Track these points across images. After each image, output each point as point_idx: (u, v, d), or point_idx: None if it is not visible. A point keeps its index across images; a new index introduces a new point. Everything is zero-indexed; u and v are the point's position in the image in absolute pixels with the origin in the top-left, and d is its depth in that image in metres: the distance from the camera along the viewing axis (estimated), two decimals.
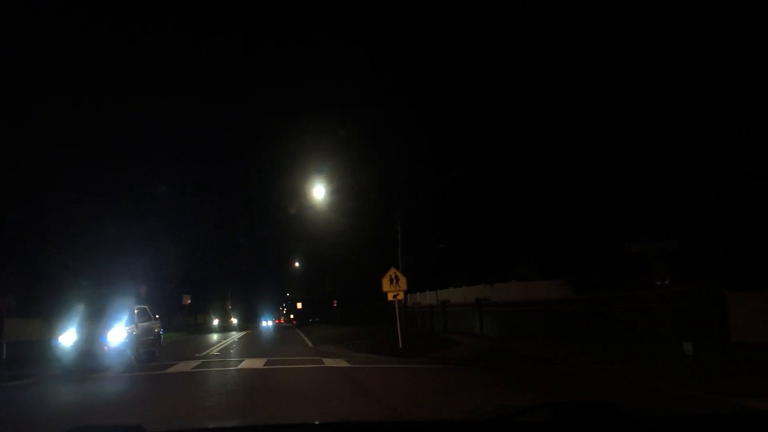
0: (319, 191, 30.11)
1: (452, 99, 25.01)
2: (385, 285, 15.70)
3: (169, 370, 10.62)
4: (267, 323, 72.23)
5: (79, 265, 21.29)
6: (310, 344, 18.06)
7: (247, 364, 11.69)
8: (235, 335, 25.59)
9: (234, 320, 38.69)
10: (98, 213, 22.47)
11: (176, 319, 40.28)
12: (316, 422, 1.98)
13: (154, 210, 27.91)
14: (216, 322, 35.40)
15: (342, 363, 11.67)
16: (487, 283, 18.92)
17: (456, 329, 20.32)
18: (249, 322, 73.51)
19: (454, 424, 1.95)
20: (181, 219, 32.45)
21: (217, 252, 47.18)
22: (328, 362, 11.94)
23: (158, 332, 14.51)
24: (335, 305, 56.45)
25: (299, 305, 71.68)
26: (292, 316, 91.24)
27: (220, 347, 16.95)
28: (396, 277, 15.69)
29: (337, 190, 30.50)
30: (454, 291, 22.67)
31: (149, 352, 13.13)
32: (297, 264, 63.33)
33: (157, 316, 15.11)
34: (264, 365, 11.21)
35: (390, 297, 15.73)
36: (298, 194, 36.23)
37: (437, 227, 24.94)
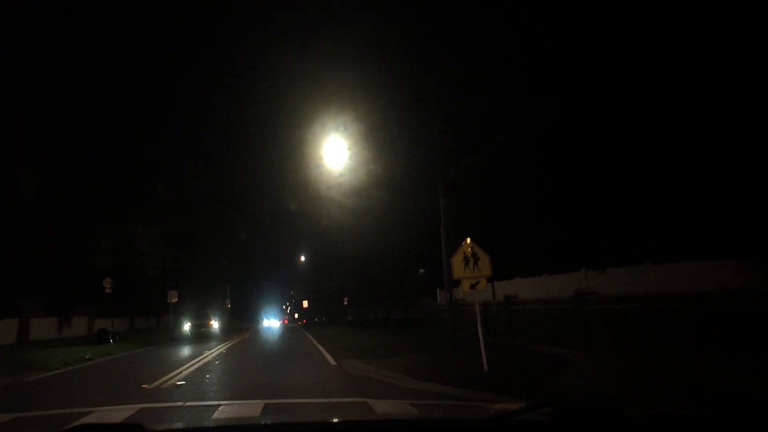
0: (333, 162, 23.94)
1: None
2: (457, 268, 9.74)
3: None
4: (269, 321, 65.94)
5: None
6: (330, 360, 12.10)
7: (225, 417, 5.75)
8: (217, 348, 17.31)
9: (214, 323, 25.54)
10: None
11: (165, 319, 34.39)
12: (345, 421, 2.19)
13: (121, 187, 21.66)
14: (187, 326, 24.16)
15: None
16: (594, 268, 12.87)
17: (531, 337, 14.33)
18: (249, 322, 67.54)
19: (456, 422, 2.00)
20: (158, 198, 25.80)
21: (212, 244, 41.36)
22: (384, 411, 5.96)
23: None
24: (346, 303, 50.84)
25: (305, 303, 65.87)
26: (297, 315, 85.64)
27: (193, 368, 11.01)
28: (474, 255, 9.72)
29: (352, 171, 24.54)
30: (524, 282, 16.60)
31: None
32: (303, 258, 57.72)
33: None
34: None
35: (465, 288, 9.76)
36: (306, 181, 30.32)
37: (494, 198, 18.99)
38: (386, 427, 2.03)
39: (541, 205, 16.34)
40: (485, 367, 9.16)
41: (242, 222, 45.02)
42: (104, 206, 20.50)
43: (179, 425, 2.07)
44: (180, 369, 10.60)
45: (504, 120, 15.43)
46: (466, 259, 9.67)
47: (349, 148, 22.08)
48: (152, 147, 24.14)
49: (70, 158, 18.71)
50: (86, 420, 6.05)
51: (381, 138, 21.50)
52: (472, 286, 9.60)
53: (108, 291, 20.42)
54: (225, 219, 41.76)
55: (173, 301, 29.62)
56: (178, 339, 21.74)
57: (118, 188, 21.58)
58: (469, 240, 9.75)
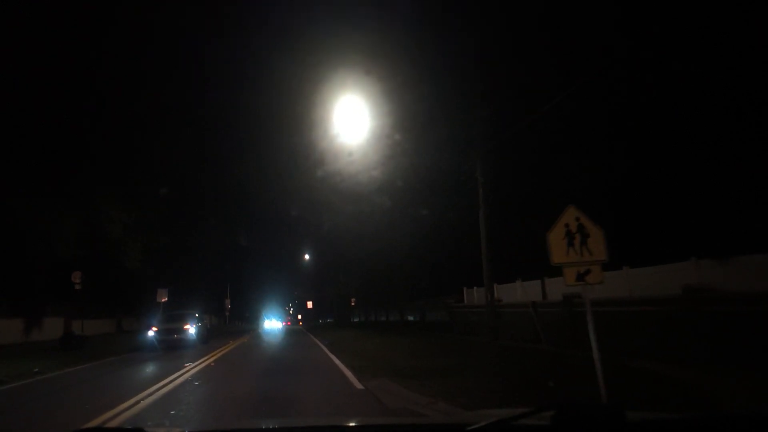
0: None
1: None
2: (557, 249, 6.35)
3: None
4: (270, 323, 62.45)
5: None
6: (354, 380, 8.75)
7: None
8: (204, 359, 12.85)
9: (191, 328, 17.82)
10: None
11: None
12: (348, 424, 2.14)
13: (86, 159, 18.00)
14: (152, 331, 17.30)
15: None
16: (708, 257, 9.54)
17: (605, 347, 10.97)
18: (250, 323, 64.17)
19: (455, 427, 1.92)
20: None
21: (211, 241, 38.10)
22: None
23: None
24: (353, 304, 47.68)
25: (309, 304, 62.61)
26: (300, 317, 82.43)
27: (159, 394, 7.71)
28: (580, 229, 6.36)
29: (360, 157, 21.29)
30: None
31: None
32: (307, 257, 54.50)
33: None
34: None
35: (570, 278, 6.34)
36: (310, 182, 27.11)
37: (542, 171, 15.79)
38: (386, 430, 2.05)
39: (611, 177, 12.99)
40: (604, 400, 5.91)
41: (243, 220, 41.82)
42: (66, 178, 16.98)
43: (178, 430, 1.93)
44: (138, 396, 7.29)
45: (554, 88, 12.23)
46: (569, 236, 6.36)
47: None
48: (130, 130, 20.67)
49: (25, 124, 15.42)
50: None
51: (386, 143, 18.42)
52: (580, 276, 6.30)
53: (77, 287, 17.18)
54: (225, 215, 38.50)
55: (163, 300, 26.45)
56: (146, 348, 16.42)
57: (82, 159, 17.98)
58: (571, 208, 6.47)
